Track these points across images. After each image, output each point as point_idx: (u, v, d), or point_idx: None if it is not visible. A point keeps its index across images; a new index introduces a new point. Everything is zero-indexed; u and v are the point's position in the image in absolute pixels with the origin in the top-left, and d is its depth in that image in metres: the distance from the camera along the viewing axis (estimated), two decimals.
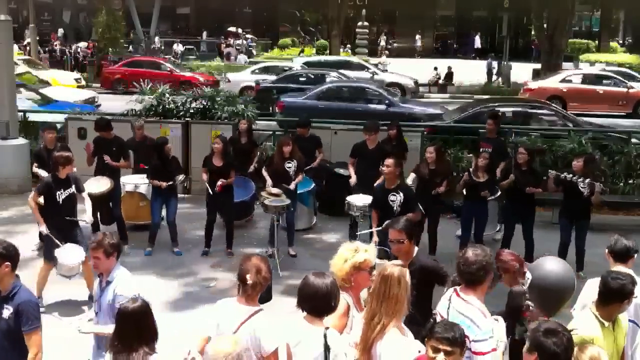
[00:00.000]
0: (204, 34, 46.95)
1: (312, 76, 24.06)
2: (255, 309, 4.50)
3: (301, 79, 23.90)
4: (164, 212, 10.23)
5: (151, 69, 28.25)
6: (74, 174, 8.47)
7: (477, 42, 48.20)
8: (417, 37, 48.08)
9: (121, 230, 10.17)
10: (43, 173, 9.54)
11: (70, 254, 7.92)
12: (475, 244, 5.15)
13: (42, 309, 7.96)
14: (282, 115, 17.98)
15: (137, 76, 24.58)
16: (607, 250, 5.65)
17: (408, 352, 4.12)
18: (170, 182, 9.85)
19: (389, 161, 8.06)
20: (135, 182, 10.78)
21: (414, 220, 8.04)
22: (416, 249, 5.77)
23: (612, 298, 4.57)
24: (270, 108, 20.61)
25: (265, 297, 8.47)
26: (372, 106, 18.96)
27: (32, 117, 15.06)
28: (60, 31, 39.71)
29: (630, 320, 4.92)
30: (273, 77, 24.71)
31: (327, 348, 4.16)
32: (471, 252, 4.52)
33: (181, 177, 10.11)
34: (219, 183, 9.64)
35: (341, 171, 11.55)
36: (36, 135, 13.72)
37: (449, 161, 11.45)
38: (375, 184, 8.83)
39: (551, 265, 4.65)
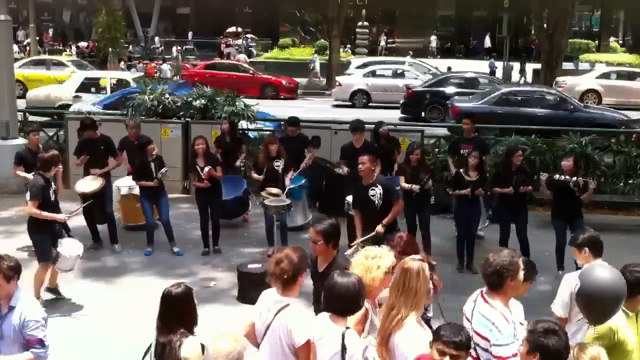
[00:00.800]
0: (189, 34, 46.86)
1: (464, 80, 24.04)
2: (288, 300, 4.56)
3: (452, 82, 23.94)
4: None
5: (232, 72, 28.39)
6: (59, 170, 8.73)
7: (488, 42, 47.65)
8: (433, 37, 47.20)
9: (111, 229, 10.17)
10: (28, 175, 9.53)
11: (71, 248, 8.04)
12: (503, 248, 5.12)
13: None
14: (455, 120, 17.62)
15: (218, 79, 25.18)
16: (587, 249, 5.65)
17: (425, 344, 4.12)
18: (154, 179, 9.84)
19: (364, 158, 8.20)
20: (128, 184, 10.77)
21: (398, 209, 8.26)
22: (335, 252, 5.61)
23: (633, 290, 4.63)
24: (423, 113, 20.36)
25: None
26: (556, 111, 18.83)
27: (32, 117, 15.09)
28: (51, 31, 39.41)
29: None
30: (418, 82, 24.81)
31: (343, 348, 4.17)
32: (491, 255, 4.50)
33: (164, 170, 9.95)
34: (206, 169, 9.66)
35: (341, 171, 11.55)
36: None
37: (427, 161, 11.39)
38: (355, 185, 8.84)
39: (600, 274, 4.47)
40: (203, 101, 13.44)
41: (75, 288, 8.75)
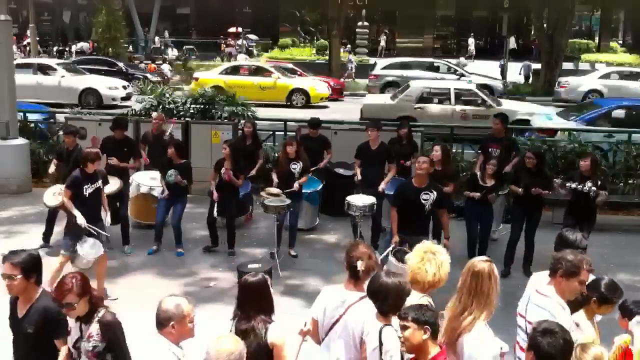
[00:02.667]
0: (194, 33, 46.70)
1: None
2: (362, 294, 4.64)
3: None
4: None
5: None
6: (102, 170, 8.77)
7: (512, 44, 46.67)
8: (470, 40, 46.02)
9: (124, 231, 10.19)
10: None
11: (91, 248, 8.06)
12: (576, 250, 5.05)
13: None
14: None
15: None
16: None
17: (493, 347, 4.17)
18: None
19: (424, 159, 8.13)
20: (151, 184, 10.75)
21: (444, 216, 8.15)
22: (40, 289, 4.92)
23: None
24: None
25: None
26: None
27: (32, 117, 15.08)
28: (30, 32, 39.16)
29: None
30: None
31: (380, 344, 4.28)
32: (568, 250, 4.70)
33: (171, 173, 9.80)
34: (225, 168, 9.62)
35: (341, 171, 11.56)
36: (28, 136, 13.71)
37: (453, 162, 11.32)
38: (402, 183, 8.80)
39: None
40: (203, 101, 13.45)
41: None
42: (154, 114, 11.48)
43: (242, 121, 12.63)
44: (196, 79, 25.95)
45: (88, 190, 8.28)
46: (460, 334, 4.35)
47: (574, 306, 4.77)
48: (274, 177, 10.13)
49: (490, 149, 10.62)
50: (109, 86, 24.70)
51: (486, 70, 31.73)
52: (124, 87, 25.10)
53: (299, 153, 9.97)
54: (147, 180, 10.84)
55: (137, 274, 9.40)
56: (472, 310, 4.38)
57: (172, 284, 9.07)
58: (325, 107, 25.38)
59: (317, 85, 26.17)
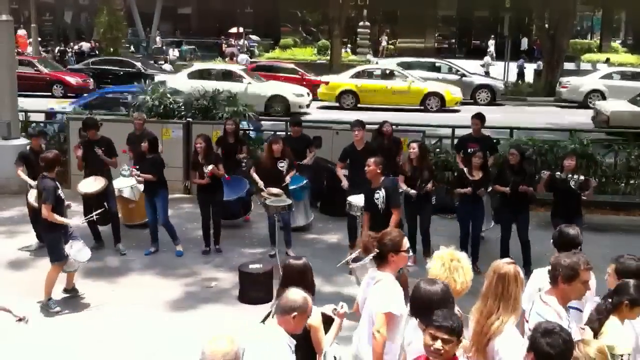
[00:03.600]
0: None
1: None
2: (382, 275, 5.06)
3: None
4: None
5: (280, 73, 27.88)
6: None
7: (525, 44, 45.68)
8: (491, 42, 44.10)
9: (115, 228, 10.18)
10: (30, 181, 9.68)
11: (80, 253, 8.11)
12: (577, 251, 4.98)
13: (57, 308, 8.06)
14: None
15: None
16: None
17: (522, 350, 4.09)
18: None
19: (370, 161, 8.26)
20: (117, 186, 10.70)
21: (395, 219, 8.18)
22: None
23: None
24: None
25: (265, 298, 8.54)
26: None
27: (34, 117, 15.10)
28: (22, 32, 38.82)
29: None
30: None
31: None
32: (563, 253, 4.65)
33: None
34: (209, 168, 9.65)
35: (342, 172, 11.54)
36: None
37: (429, 159, 11.31)
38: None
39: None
40: (204, 101, 13.45)
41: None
42: (135, 114, 11.47)
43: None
44: (326, 83, 25.47)
45: (62, 194, 8.27)
46: (490, 338, 4.32)
47: (605, 314, 4.73)
48: (256, 177, 10.10)
49: (469, 148, 10.66)
50: (296, 93, 23.89)
51: (490, 70, 31.79)
52: (307, 94, 24.30)
53: (284, 151, 9.99)
54: (116, 183, 10.78)
55: (137, 275, 9.40)
56: (499, 314, 4.36)
57: (173, 284, 9.07)
58: (457, 110, 24.60)
59: (452, 89, 25.33)
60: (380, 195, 8.24)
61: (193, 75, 23.39)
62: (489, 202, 10.48)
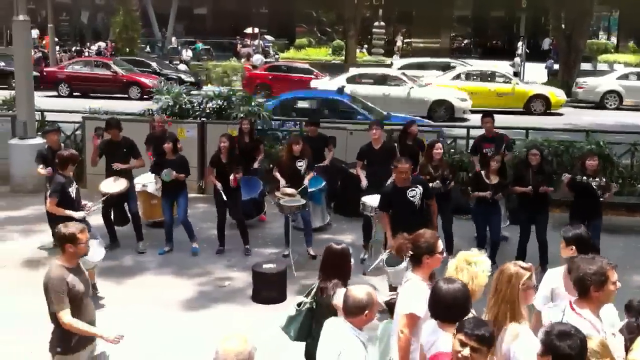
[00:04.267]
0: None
1: None
2: (411, 276, 5.12)
3: None
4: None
5: (294, 74, 27.85)
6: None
7: (546, 44, 44.92)
8: (520, 43, 43.66)
9: (137, 227, 10.23)
10: (48, 171, 9.74)
11: (94, 252, 8.00)
12: (596, 255, 4.85)
13: None
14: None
15: (281, 80, 25.30)
16: (574, 247, 5.53)
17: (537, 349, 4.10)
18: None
19: (404, 166, 8.12)
20: (142, 182, 10.83)
21: (435, 208, 8.35)
22: None
23: None
24: None
25: (279, 298, 8.54)
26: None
27: (50, 116, 15.17)
28: (36, 32, 38.95)
29: None
30: None
31: None
32: (581, 260, 4.48)
33: (164, 172, 9.90)
34: (232, 177, 9.69)
35: (362, 184, 11.51)
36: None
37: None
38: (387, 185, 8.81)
39: None
40: (219, 101, 13.48)
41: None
42: (156, 117, 11.69)
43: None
44: (430, 84, 24.98)
45: (73, 192, 8.32)
46: (502, 338, 4.29)
47: (636, 331, 4.67)
48: (279, 176, 10.11)
49: (485, 149, 10.62)
50: (460, 97, 23.20)
51: (505, 71, 31.52)
52: (469, 99, 23.44)
53: (303, 151, 10.00)
54: (139, 179, 10.86)
55: (151, 274, 9.44)
56: (505, 316, 4.32)
57: (186, 283, 9.10)
58: (560, 114, 24.44)
59: (556, 91, 25.22)
60: (416, 192, 8.16)
61: (350, 80, 23.21)
62: (504, 202, 10.43)
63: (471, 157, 11.35)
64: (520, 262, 4.62)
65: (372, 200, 9.39)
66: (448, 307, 4.21)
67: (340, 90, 18.11)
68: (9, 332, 7.45)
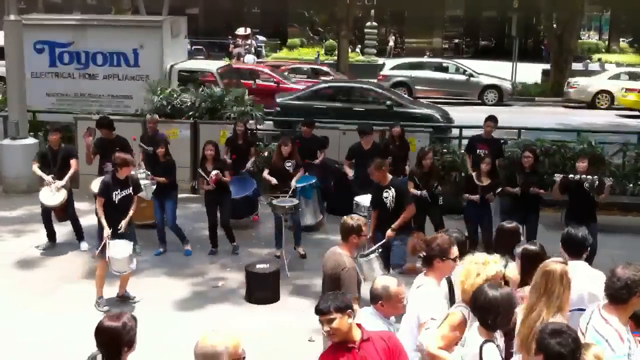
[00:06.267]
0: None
1: None
2: (424, 281, 5.07)
3: None
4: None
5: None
6: (134, 176, 8.75)
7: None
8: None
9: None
10: (44, 176, 9.72)
11: (119, 249, 8.05)
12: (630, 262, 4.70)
13: (105, 308, 8.06)
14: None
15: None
16: (561, 248, 5.57)
17: None
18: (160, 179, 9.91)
19: (370, 170, 8.42)
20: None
21: (408, 215, 8.35)
22: None
23: None
24: None
25: (272, 297, 8.55)
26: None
27: (42, 117, 15.11)
28: None
29: (576, 309, 4.86)
30: None
31: (481, 359, 4.12)
32: (620, 268, 4.39)
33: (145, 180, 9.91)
34: (213, 173, 9.71)
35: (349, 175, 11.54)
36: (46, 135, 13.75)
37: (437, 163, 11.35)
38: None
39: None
40: (212, 101, 13.45)
41: (82, 288, 8.77)
42: (148, 117, 11.61)
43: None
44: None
45: (117, 196, 8.28)
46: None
47: None
48: (269, 177, 10.17)
49: (478, 150, 10.68)
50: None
51: (497, 71, 31.54)
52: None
53: (292, 153, 10.07)
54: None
55: (145, 274, 9.41)
56: (541, 309, 4.32)
57: (180, 283, 9.09)
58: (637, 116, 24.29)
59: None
60: (389, 194, 8.31)
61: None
62: (498, 205, 10.47)
63: (467, 157, 11.34)
64: (558, 258, 4.65)
65: (365, 200, 9.42)
66: (488, 312, 4.20)
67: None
68: (6, 333, 7.42)
